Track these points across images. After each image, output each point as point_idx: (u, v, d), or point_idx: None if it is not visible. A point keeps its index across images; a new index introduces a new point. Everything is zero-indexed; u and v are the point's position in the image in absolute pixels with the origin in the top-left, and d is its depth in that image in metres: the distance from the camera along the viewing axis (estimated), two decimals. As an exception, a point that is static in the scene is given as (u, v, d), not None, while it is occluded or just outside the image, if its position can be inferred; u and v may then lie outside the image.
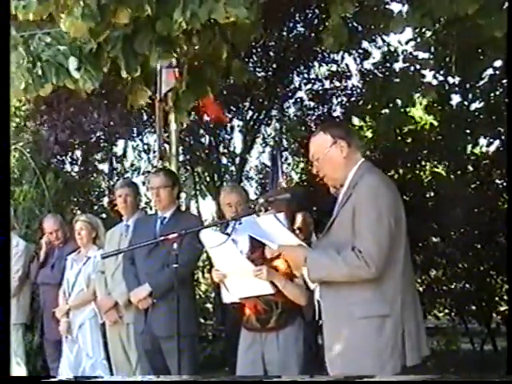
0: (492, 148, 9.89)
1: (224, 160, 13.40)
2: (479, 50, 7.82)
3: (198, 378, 4.40)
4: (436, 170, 10.74)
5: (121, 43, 4.88)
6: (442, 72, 8.81)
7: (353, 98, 11.95)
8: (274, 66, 11.98)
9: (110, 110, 10.03)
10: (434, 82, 8.85)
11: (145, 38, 4.86)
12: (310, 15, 11.55)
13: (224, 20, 4.40)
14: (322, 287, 3.73)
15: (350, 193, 3.61)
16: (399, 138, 10.25)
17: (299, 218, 6.04)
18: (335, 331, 3.64)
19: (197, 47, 5.49)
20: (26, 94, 4.98)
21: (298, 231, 5.42)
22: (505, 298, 10.34)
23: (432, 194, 10.57)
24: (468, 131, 9.55)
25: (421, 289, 10.59)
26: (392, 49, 10.23)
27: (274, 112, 12.95)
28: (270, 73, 12.07)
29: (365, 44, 11.40)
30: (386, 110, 9.58)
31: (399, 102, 9.17)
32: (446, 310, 11.16)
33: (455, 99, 9.45)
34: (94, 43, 4.81)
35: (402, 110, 9.61)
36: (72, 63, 4.85)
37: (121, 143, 12.82)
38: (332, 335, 3.67)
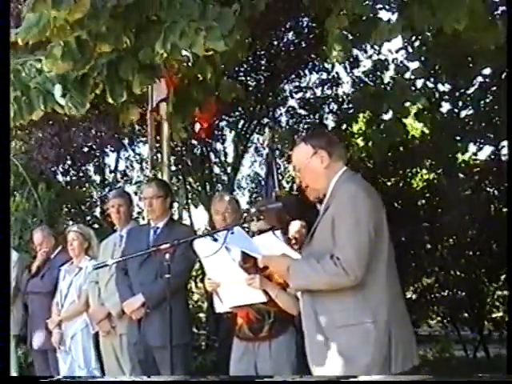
0: (483, 155, 9.95)
1: (216, 169, 13.40)
2: (469, 58, 7.87)
3: (193, 378, 4.40)
4: (427, 177, 10.77)
5: (106, 70, 4.93)
6: (432, 80, 8.86)
7: (344, 106, 11.97)
8: (265, 74, 11.98)
9: (101, 120, 10.03)
10: (425, 90, 8.90)
11: (128, 66, 4.92)
12: (301, 24, 11.57)
13: (203, 53, 4.50)
14: (304, 296, 3.71)
15: (330, 202, 3.60)
16: (390, 145, 10.27)
17: (294, 227, 6.05)
18: (318, 339, 3.60)
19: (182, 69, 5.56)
20: (14, 122, 5.02)
21: (293, 240, 5.42)
22: (497, 304, 10.38)
23: (424, 201, 10.60)
24: (459, 138, 9.58)
25: (413, 296, 10.63)
26: (382, 57, 10.27)
27: (265, 120, 12.95)
28: (260, 81, 12.07)
29: (355, 52, 11.43)
30: (378, 118, 9.60)
31: (390, 109, 9.21)
32: (439, 318, 11.21)
33: (446, 107, 9.51)
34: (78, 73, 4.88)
35: (394, 117, 9.64)
36: (57, 90, 4.92)
37: (113, 153, 12.81)
38: (315, 343, 3.64)
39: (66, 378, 5.92)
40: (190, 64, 5.34)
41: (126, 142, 12.37)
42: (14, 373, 7.30)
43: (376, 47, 10.81)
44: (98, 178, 12.67)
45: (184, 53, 4.61)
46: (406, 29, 5.24)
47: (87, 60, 4.65)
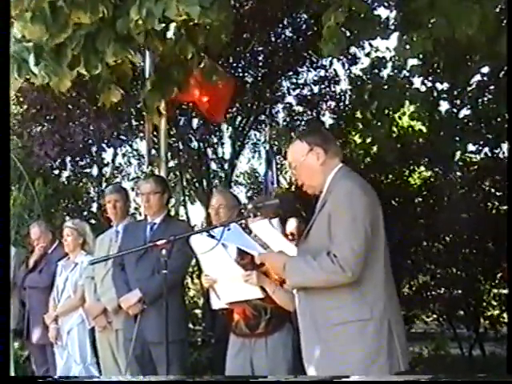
0: (481, 154, 9.94)
1: (213, 165, 13.39)
2: (467, 57, 7.86)
3: (189, 378, 4.40)
4: (425, 175, 10.78)
5: (83, 41, 4.92)
6: (430, 78, 8.85)
7: (341, 104, 11.97)
8: (263, 70, 11.97)
9: (99, 116, 10.04)
10: (423, 89, 8.89)
11: (106, 37, 4.91)
12: (298, 20, 11.57)
13: (176, 17, 4.49)
14: (300, 293, 3.72)
15: (326, 199, 3.61)
16: (388, 143, 10.27)
17: (292, 223, 6.04)
18: (314, 337, 3.62)
19: (164, 47, 5.52)
20: None
21: (290, 237, 5.42)
22: (493, 303, 10.38)
23: (421, 199, 10.60)
24: (457, 137, 9.58)
25: (409, 294, 10.64)
26: (380, 55, 10.26)
27: (262, 117, 12.94)
28: (258, 78, 12.06)
29: (353, 49, 11.43)
30: (376, 116, 9.60)
31: (388, 108, 9.21)
32: (435, 315, 11.20)
33: (444, 106, 9.50)
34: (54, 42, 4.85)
35: (391, 116, 9.65)
36: (32, 58, 4.90)
37: (110, 149, 12.80)
38: (311, 341, 3.65)
39: (63, 379, 5.92)
40: (171, 42, 5.29)
41: (123, 137, 12.35)
42: (10, 367, 7.32)
43: (374, 45, 10.84)
44: (95, 174, 12.66)
45: (166, 29, 4.59)
46: (404, 27, 5.23)
47: (61, 27, 4.62)
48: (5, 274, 3.89)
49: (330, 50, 5.16)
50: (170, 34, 4.90)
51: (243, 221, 4.34)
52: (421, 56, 7.86)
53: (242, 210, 4.41)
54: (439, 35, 5.29)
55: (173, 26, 4.77)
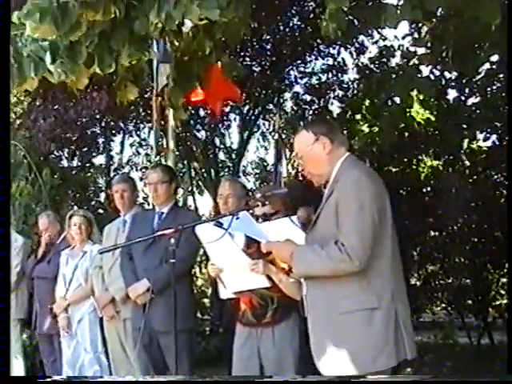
0: (489, 142, 9.92)
1: (221, 155, 13.40)
2: (476, 45, 7.82)
3: (192, 378, 4.39)
4: (433, 164, 10.74)
5: (97, 39, 4.92)
6: (438, 67, 8.82)
7: (349, 93, 11.94)
8: (270, 59, 11.96)
9: (107, 104, 10.03)
10: (431, 77, 8.86)
11: (121, 37, 4.91)
12: (306, 8, 11.55)
13: (197, 21, 4.48)
14: (308, 282, 3.72)
15: (333, 188, 3.60)
16: (396, 132, 10.25)
17: (302, 213, 6.03)
18: (322, 326, 3.61)
19: (181, 43, 5.52)
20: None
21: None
22: (501, 292, 10.37)
23: (429, 188, 10.58)
24: (465, 126, 9.55)
25: (418, 283, 10.64)
26: (388, 44, 10.24)
27: (270, 106, 12.94)
28: (266, 67, 12.05)
29: (361, 38, 11.41)
30: (384, 105, 9.58)
31: (396, 96, 9.18)
32: (443, 304, 11.21)
33: (452, 94, 9.48)
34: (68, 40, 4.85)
35: (399, 104, 9.61)
36: (48, 57, 4.91)
37: (118, 138, 12.82)
38: (319, 330, 3.64)
39: (63, 379, 5.94)
40: (189, 38, 5.29)
41: (131, 127, 12.37)
42: (18, 356, 7.36)
43: (382, 33, 10.80)
44: (103, 163, 12.68)
45: (182, 25, 4.60)
46: (414, 10, 5.18)
47: (72, 26, 4.62)
48: (5, 274, 3.89)
49: (328, 31, 5.13)
50: (185, 29, 4.90)
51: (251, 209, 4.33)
52: (429, 44, 7.83)
53: (251, 198, 4.41)
54: (431, 6, 5.23)
55: (189, 23, 4.76)
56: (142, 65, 5.84)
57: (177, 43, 5.63)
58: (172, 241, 4.15)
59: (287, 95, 12.85)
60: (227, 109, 12.24)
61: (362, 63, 11.46)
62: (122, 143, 13.14)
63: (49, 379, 4.98)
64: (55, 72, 4.96)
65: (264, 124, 13.77)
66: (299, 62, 12.30)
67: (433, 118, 10.27)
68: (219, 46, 5.81)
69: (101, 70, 5.07)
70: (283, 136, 12.48)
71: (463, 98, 9.43)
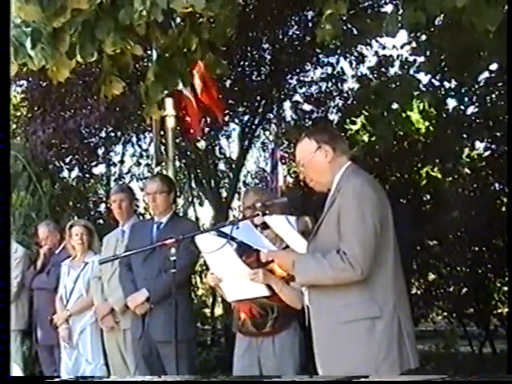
0: (488, 151, 9.91)
1: (221, 165, 13.38)
2: (475, 54, 7.83)
3: (197, 379, 4.39)
4: (432, 173, 10.74)
5: (81, 27, 4.89)
6: (437, 76, 8.83)
7: (349, 102, 11.94)
8: (270, 68, 11.95)
9: (107, 115, 10.04)
10: (430, 87, 8.87)
11: (105, 26, 4.88)
12: (305, 18, 11.55)
13: (182, 9, 4.44)
14: (310, 291, 3.72)
15: (335, 196, 3.60)
16: (396, 141, 10.25)
17: (303, 221, 6.01)
18: (325, 335, 3.62)
19: (166, 39, 5.50)
20: None
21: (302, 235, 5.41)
22: (503, 300, 10.35)
23: (428, 197, 10.58)
24: (464, 135, 9.56)
25: (418, 292, 10.62)
26: (387, 53, 10.23)
27: (270, 115, 12.93)
28: (265, 76, 12.04)
29: (360, 48, 11.41)
30: (383, 114, 9.58)
31: (395, 106, 9.19)
32: (445, 313, 11.18)
33: (451, 103, 9.47)
34: (52, 26, 4.84)
35: (398, 114, 9.62)
36: (28, 42, 4.89)
37: (118, 149, 12.80)
38: (322, 339, 3.65)
39: (72, 378, 5.93)
40: (174, 34, 5.28)
41: (131, 137, 12.36)
42: (18, 368, 7.34)
43: (381, 42, 10.81)
44: (103, 174, 12.67)
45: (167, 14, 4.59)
46: (416, 12, 5.17)
47: (57, 10, 4.59)
48: (5, 274, 3.88)
49: (322, 36, 5.14)
50: (171, 26, 4.89)
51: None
52: (428, 53, 7.84)
53: (251, 208, 4.40)
54: (433, 8, 5.23)
55: (177, 18, 4.75)
56: (126, 58, 5.80)
57: (162, 41, 5.62)
58: (172, 251, 4.15)
59: (286, 104, 12.84)
60: (227, 118, 12.23)
61: (361, 72, 11.47)
62: (123, 153, 13.13)
63: (57, 379, 4.96)
64: (35, 57, 4.91)
65: (264, 134, 13.76)
66: (298, 71, 12.27)
67: (432, 127, 10.28)
68: (204, 43, 5.79)
69: (82, 58, 5.01)
70: (283, 145, 12.48)
71: (462, 107, 9.43)
